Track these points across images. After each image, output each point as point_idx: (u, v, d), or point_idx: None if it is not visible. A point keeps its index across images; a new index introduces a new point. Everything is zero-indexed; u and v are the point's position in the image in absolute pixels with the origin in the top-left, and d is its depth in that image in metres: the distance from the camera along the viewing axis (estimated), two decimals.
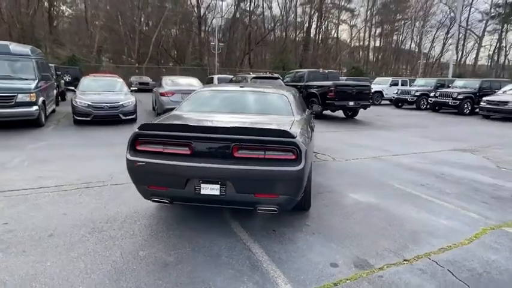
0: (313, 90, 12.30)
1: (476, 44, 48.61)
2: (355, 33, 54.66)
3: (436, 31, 50.64)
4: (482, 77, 24.33)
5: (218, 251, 2.88)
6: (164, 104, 10.69)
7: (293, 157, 2.82)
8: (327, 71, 13.90)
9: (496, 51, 48.88)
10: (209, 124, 3.07)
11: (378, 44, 55.38)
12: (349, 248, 2.96)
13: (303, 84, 13.15)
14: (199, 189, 2.90)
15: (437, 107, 16.32)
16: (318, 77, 13.32)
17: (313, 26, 49.52)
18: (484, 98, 13.94)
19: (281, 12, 46.14)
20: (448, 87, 16.77)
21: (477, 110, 14.72)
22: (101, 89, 10.57)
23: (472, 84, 15.81)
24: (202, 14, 41.94)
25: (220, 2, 34.49)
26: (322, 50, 49.54)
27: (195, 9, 42.19)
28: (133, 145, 3.06)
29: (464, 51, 51.13)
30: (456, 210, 3.86)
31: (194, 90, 12.84)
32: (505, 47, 48.64)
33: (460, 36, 48.01)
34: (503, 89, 14.49)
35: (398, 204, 3.98)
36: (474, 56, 49.40)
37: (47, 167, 5.19)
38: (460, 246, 3.03)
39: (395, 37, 53.77)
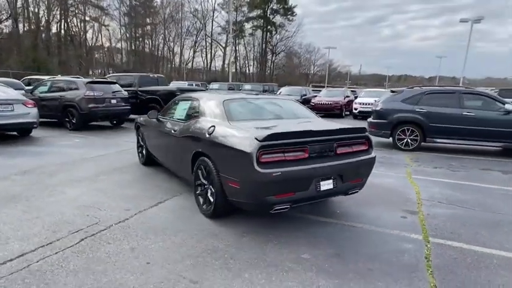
0: (155, 96, 12.07)
1: (222, 53, 59.33)
2: (108, 33, 52.74)
3: (184, 40, 57.22)
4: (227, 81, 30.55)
5: (342, 236, 3.45)
6: None
7: (367, 147, 3.83)
8: (156, 76, 13.80)
9: (233, 60, 61.53)
10: (318, 128, 3.48)
11: (133, 46, 55.65)
12: (390, 207, 4.28)
13: (135, 89, 12.54)
14: (320, 186, 3.36)
15: None
16: (149, 82, 13.06)
17: (56, 20, 43.39)
18: None
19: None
20: (239, 90, 20.51)
21: None
22: None
23: (257, 87, 20.25)
24: None
25: None
26: (76, 50, 44.47)
27: None
28: (258, 157, 3.03)
29: (211, 58, 61.07)
30: (385, 173, 5.99)
31: (17, 100, 10.57)
32: (238, 57, 62.21)
33: (208, 45, 56.89)
34: (278, 92, 19.57)
35: None
36: (221, 62, 60.14)
37: None
38: (422, 189, 5.04)
39: (151, 41, 56.09)
